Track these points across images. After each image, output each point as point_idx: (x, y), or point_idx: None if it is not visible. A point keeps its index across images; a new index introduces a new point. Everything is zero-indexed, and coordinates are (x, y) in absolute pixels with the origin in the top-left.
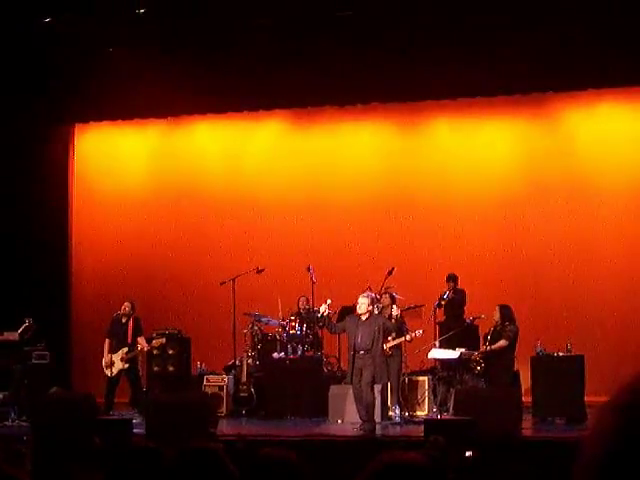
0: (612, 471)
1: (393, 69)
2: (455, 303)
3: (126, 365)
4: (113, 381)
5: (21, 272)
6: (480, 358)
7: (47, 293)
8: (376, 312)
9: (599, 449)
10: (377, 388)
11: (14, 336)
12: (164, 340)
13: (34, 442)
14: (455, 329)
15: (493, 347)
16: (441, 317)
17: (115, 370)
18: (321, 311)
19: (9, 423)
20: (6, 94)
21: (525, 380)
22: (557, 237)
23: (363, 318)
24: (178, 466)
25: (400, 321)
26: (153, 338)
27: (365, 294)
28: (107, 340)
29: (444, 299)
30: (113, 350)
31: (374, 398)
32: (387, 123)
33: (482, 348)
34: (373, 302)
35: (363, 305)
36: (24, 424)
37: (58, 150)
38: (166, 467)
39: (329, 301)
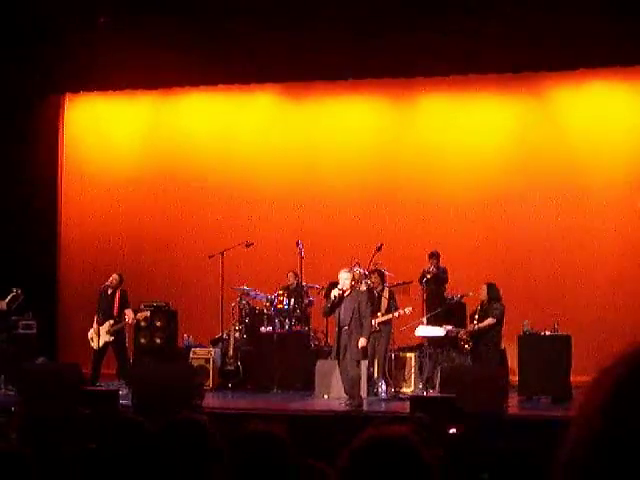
0: (599, 451)
1: (386, 43)
2: (437, 280)
3: (111, 338)
4: (99, 353)
5: (9, 242)
6: (468, 336)
7: (35, 263)
8: (363, 288)
9: (585, 428)
10: (364, 364)
11: (1, 305)
12: (148, 313)
13: (20, 412)
14: (436, 306)
15: (480, 325)
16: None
17: (101, 342)
18: (331, 297)
19: None
20: None
21: (512, 359)
22: (546, 217)
23: (346, 294)
24: (164, 437)
25: (390, 297)
26: (139, 310)
27: (346, 269)
28: (96, 316)
29: (426, 276)
30: (99, 322)
31: (358, 374)
32: (380, 98)
33: (470, 326)
34: (356, 277)
35: (346, 281)
36: (10, 393)
37: (48, 119)
38: (152, 438)
39: (338, 286)
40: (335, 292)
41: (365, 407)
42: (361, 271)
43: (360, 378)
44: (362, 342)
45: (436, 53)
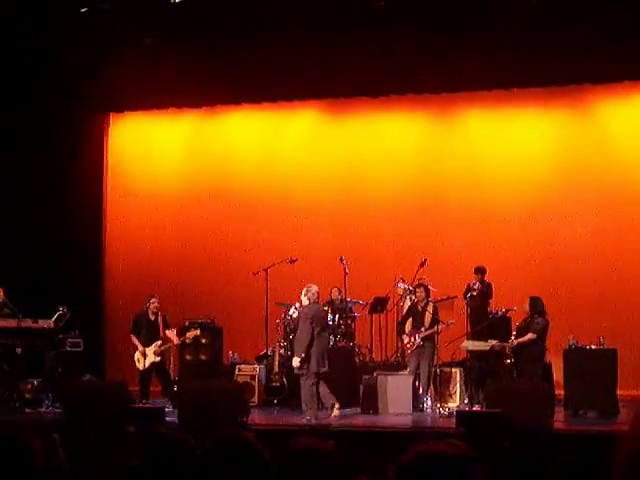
0: None
1: (428, 59)
2: (482, 296)
3: (158, 358)
4: (147, 372)
5: (56, 261)
6: (510, 351)
7: (81, 281)
8: (305, 302)
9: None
10: (408, 379)
11: (48, 324)
12: (198, 332)
13: (67, 429)
14: (481, 321)
15: (520, 340)
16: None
17: (147, 363)
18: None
19: (43, 410)
20: (43, 83)
21: (558, 373)
22: (591, 230)
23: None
24: (211, 455)
25: (433, 312)
26: (186, 328)
27: (304, 288)
28: (133, 336)
29: (472, 291)
30: (144, 344)
31: (307, 389)
32: (421, 114)
33: (510, 341)
34: (400, 293)
35: (303, 297)
36: (58, 411)
37: (93, 139)
38: (199, 456)
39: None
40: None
41: (410, 422)
42: (405, 286)
43: (309, 392)
44: (294, 362)
45: (478, 68)
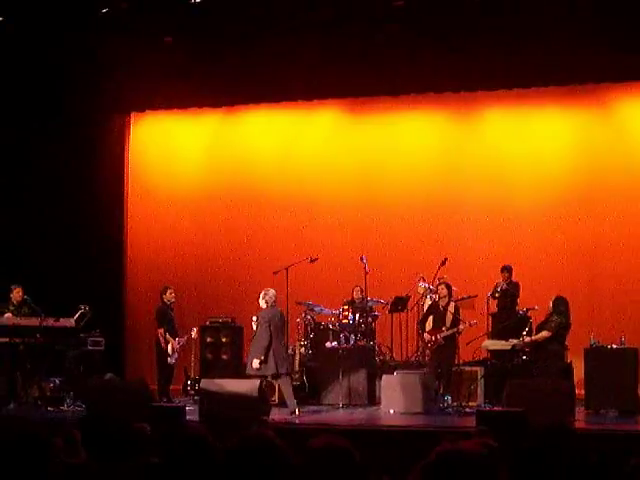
0: None
1: (448, 58)
2: (508, 295)
3: (176, 355)
4: (170, 368)
5: (77, 259)
6: (527, 348)
7: (102, 279)
8: (263, 305)
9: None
10: (429, 379)
11: (70, 322)
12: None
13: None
14: (507, 321)
15: (534, 337)
16: (494, 308)
17: (174, 360)
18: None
19: (65, 408)
20: (63, 82)
21: (578, 372)
22: (613, 229)
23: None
24: (235, 454)
25: (455, 312)
26: (207, 328)
27: (262, 292)
28: (162, 330)
29: (498, 291)
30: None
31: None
32: (441, 113)
33: (525, 339)
34: (421, 292)
35: (261, 301)
36: (79, 409)
37: (114, 139)
38: (222, 455)
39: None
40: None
41: (429, 421)
42: (426, 285)
43: (289, 389)
44: (253, 364)
45: (498, 67)
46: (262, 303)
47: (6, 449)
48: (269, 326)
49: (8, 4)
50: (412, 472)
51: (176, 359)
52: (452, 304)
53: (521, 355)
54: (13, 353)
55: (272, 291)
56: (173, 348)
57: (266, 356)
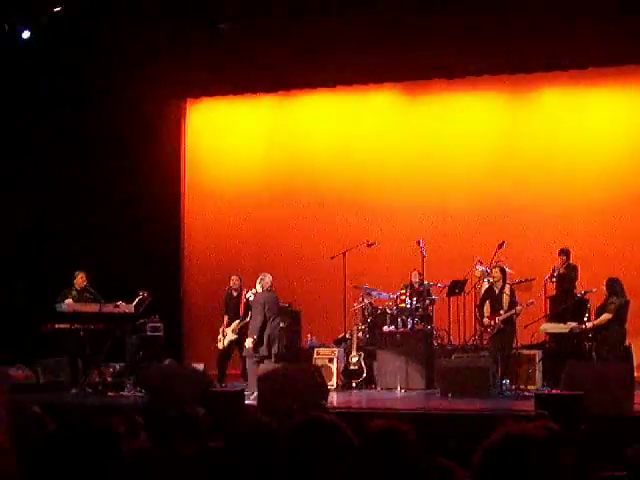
0: None
1: (504, 40)
2: (566, 278)
3: (235, 336)
4: (225, 353)
5: (135, 245)
6: (589, 333)
7: (160, 266)
8: (259, 289)
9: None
10: (486, 362)
11: (129, 308)
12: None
13: (148, 412)
14: (565, 304)
15: (596, 322)
16: (552, 291)
17: (226, 342)
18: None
19: (125, 393)
20: (120, 69)
21: (638, 354)
22: None
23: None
24: (295, 437)
25: (510, 295)
26: None
27: (259, 277)
28: (226, 317)
29: (555, 274)
30: (228, 323)
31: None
32: (498, 95)
33: (587, 323)
34: (477, 275)
35: (257, 285)
36: (139, 394)
37: (170, 125)
38: (283, 439)
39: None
40: (249, 294)
41: (490, 405)
42: (483, 269)
43: (254, 373)
44: (247, 343)
45: (553, 48)
46: (258, 287)
47: (77, 441)
48: (263, 308)
49: None
50: (475, 455)
51: (229, 342)
52: (507, 287)
53: (582, 339)
54: (74, 339)
55: (269, 276)
56: (222, 334)
57: (260, 337)
